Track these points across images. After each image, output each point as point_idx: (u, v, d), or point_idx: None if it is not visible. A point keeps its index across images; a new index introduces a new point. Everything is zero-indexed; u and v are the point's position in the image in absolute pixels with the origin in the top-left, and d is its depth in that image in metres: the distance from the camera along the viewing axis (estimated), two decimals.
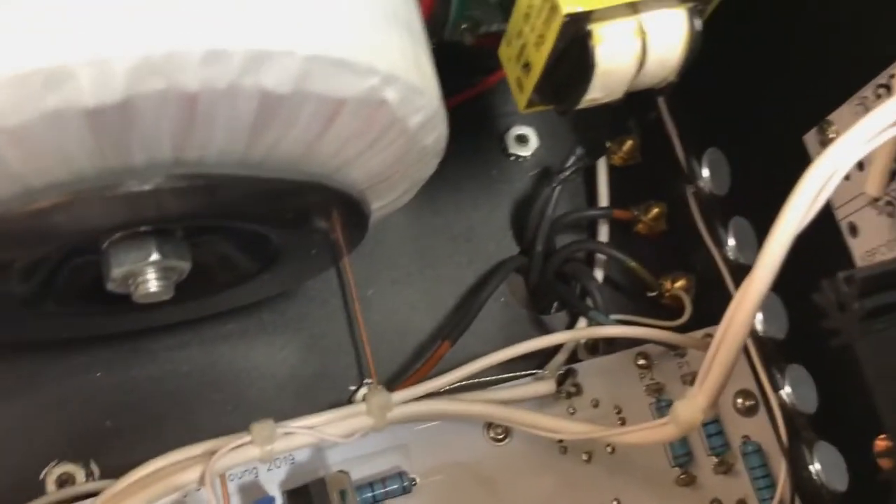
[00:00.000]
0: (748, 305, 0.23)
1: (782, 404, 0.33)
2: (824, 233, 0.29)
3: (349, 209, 0.24)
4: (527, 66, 0.26)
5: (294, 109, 0.20)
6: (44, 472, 0.30)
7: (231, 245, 0.25)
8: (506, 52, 0.27)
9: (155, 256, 0.23)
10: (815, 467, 0.32)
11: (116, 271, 0.23)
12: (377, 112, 0.21)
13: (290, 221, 0.23)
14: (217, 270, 0.26)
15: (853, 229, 0.28)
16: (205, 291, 0.28)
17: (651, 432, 0.27)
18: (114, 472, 0.29)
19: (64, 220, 0.20)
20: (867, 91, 0.26)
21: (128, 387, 0.32)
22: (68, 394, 0.32)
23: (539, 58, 0.25)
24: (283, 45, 0.19)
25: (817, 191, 0.22)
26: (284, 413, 0.30)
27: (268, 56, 0.19)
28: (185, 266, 0.24)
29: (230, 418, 0.32)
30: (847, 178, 0.27)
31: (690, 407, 0.25)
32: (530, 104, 0.27)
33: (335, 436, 0.28)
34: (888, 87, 0.26)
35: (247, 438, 0.28)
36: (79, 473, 0.29)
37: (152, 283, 0.23)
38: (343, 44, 0.20)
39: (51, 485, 0.29)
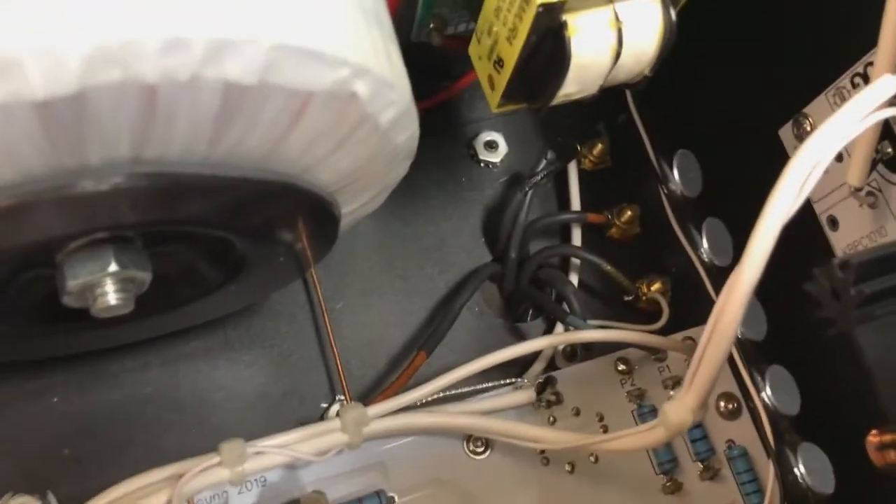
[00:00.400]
0: (737, 300, 0.22)
1: (765, 406, 0.32)
2: (803, 228, 0.28)
3: (319, 212, 0.23)
4: (499, 63, 0.25)
5: (259, 103, 0.19)
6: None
7: (194, 253, 0.24)
8: (476, 50, 0.26)
9: (114, 267, 0.22)
10: (800, 470, 0.32)
11: (72, 283, 0.21)
12: (347, 107, 0.20)
13: (255, 225, 0.22)
14: (179, 282, 0.25)
15: (833, 223, 0.28)
16: (167, 305, 0.26)
17: (640, 437, 0.26)
18: (73, 502, 0.27)
19: (13, 226, 0.19)
20: (844, 81, 0.26)
21: (86, 411, 0.31)
22: (22, 421, 0.30)
23: (512, 53, 0.24)
24: (248, 33, 0.18)
25: (805, 176, 0.21)
26: (253, 434, 0.29)
27: (231, 45, 0.17)
28: (145, 277, 0.23)
29: (195, 441, 0.31)
30: (825, 171, 0.27)
31: (680, 408, 0.24)
32: (503, 103, 0.26)
33: (309, 454, 0.27)
34: (865, 77, 0.25)
35: (216, 459, 0.26)
36: None
37: (111, 295, 0.22)
38: (310, 33, 0.19)
39: None
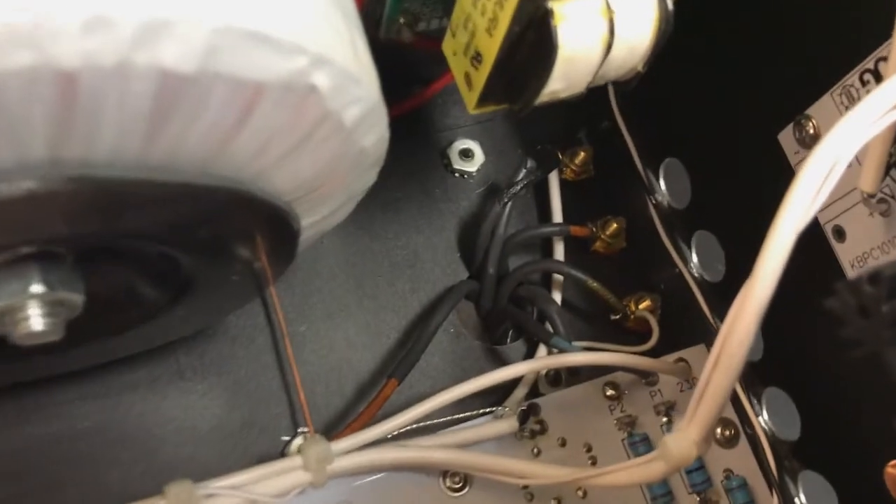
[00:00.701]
0: (747, 319, 0.20)
1: (764, 432, 0.30)
2: (806, 240, 0.26)
3: (275, 224, 0.20)
4: (477, 58, 0.23)
5: (201, 95, 0.16)
6: None
7: (133, 272, 0.21)
8: (451, 46, 0.24)
9: (38, 287, 0.19)
10: (801, 499, 0.29)
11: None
12: (305, 102, 0.18)
13: (202, 240, 0.19)
14: (118, 304, 0.22)
15: (840, 233, 0.26)
16: (105, 331, 0.23)
17: (636, 471, 0.23)
18: None
19: None
20: (852, 79, 0.24)
21: (19, 449, 0.27)
22: None
23: (492, 45, 0.22)
24: (186, 12, 0.15)
25: (822, 178, 0.19)
26: (208, 471, 0.26)
27: (166, 25, 0.15)
28: (76, 299, 0.20)
29: (142, 481, 0.28)
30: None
31: (683, 441, 0.21)
32: (481, 103, 0.24)
33: (267, 496, 0.24)
34: (876, 73, 0.23)
35: (160, 503, 0.23)
36: None
37: (36, 320, 0.19)
38: (261, 15, 0.16)
39: None
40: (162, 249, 0.20)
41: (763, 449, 0.29)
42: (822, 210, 0.26)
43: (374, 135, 0.21)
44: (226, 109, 0.17)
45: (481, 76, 0.23)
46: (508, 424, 0.28)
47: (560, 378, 0.31)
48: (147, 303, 0.22)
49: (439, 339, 0.31)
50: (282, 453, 0.29)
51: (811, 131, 0.26)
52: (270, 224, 0.20)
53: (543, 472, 0.26)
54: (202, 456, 0.29)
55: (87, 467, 0.28)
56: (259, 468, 0.25)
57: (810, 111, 0.26)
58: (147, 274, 0.21)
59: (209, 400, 0.29)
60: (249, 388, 0.30)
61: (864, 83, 0.24)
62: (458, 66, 0.24)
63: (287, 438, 0.29)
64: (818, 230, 0.26)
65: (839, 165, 0.19)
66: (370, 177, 0.23)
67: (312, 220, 0.23)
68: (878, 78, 0.23)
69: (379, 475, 0.27)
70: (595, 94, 0.34)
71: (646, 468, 0.23)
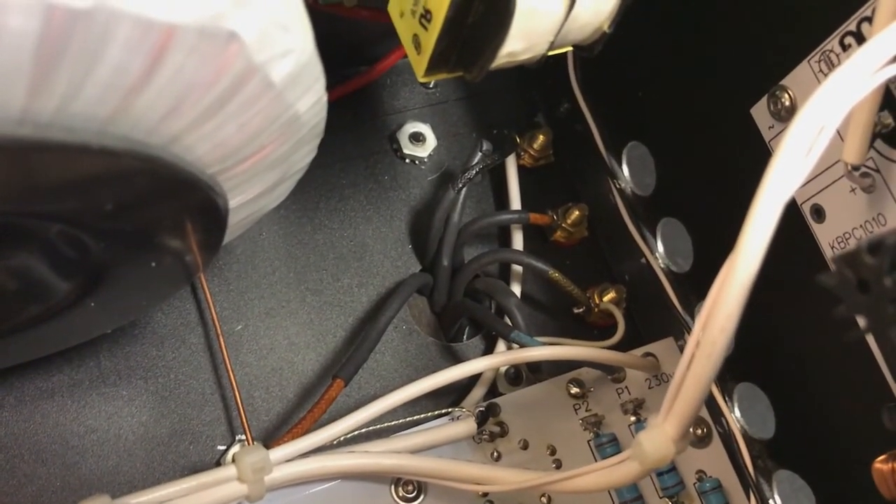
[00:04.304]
0: (732, 299, 0.17)
1: (737, 430, 0.28)
2: (781, 221, 0.24)
3: (195, 199, 0.18)
4: (426, 16, 0.20)
5: (98, 36, 0.14)
6: None
7: (30, 256, 0.18)
8: (397, 5, 0.22)
9: None
10: (776, 501, 0.28)
11: None
12: (225, 51, 0.15)
13: (108, 217, 0.17)
14: (17, 295, 0.19)
15: (818, 213, 0.24)
16: (5, 326, 0.20)
17: (607, 474, 0.21)
18: None
19: None
20: (831, 43, 0.22)
21: None
22: None
23: (442, 0, 0.20)
24: None
25: (811, 140, 0.17)
26: (133, 486, 0.24)
27: None
28: None
29: (59, 497, 0.25)
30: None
31: (658, 438, 0.19)
32: (431, 70, 0.21)
33: None
34: (858, 35, 0.21)
35: None
36: None
37: None
38: None
39: None
40: (60, 228, 0.17)
41: (738, 448, 0.27)
42: (798, 189, 0.25)
43: (311, 96, 0.18)
44: (129, 56, 0.14)
45: (431, 37, 0.20)
46: (465, 427, 0.26)
47: (521, 376, 0.29)
48: (51, 294, 0.20)
49: (390, 336, 0.29)
50: (217, 464, 0.26)
51: (787, 103, 0.24)
52: (190, 199, 0.18)
53: (504, 477, 0.24)
54: (127, 468, 0.26)
55: (1, 481, 0.25)
56: (187, 480, 0.22)
57: (786, 81, 0.24)
58: (48, 259, 0.18)
59: (135, 407, 0.26)
60: (180, 392, 0.27)
61: (845, 47, 0.22)
62: (405, 28, 0.21)
63: (223, 447, 0.27)
64: (794, 210, 0.25)
65: (826, 130, 0.17)
66: (309, 150, 0.21)
67: (243, 200, 0.20)
68: (862, 41, 0.21)
69: (326, 484, 0.25)
70: (554, 73, 0.32)
71: (618, 470, 0.21)
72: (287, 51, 0.16)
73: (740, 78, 0.26)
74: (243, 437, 0.26)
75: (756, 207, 0.17)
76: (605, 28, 0.21)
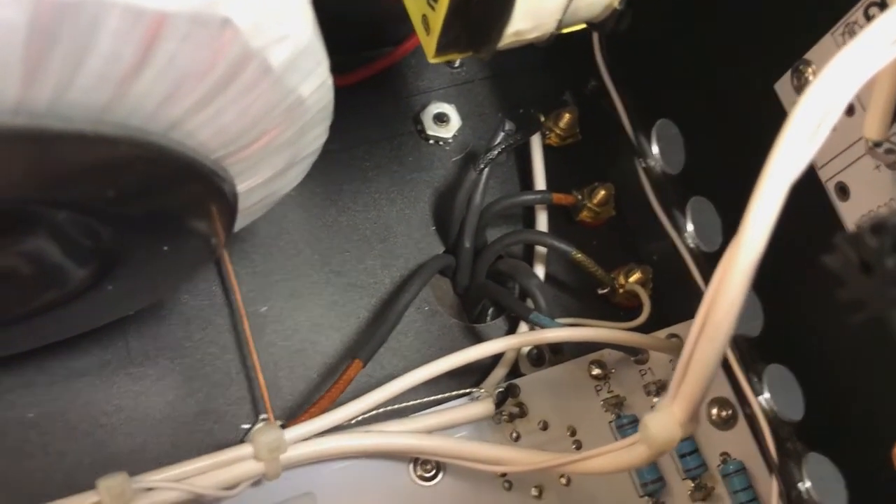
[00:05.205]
0: (734, 283, 0.17)
1: (764, 412, 0.28)
2: (805, 199, 0.24)
3: (200, 183, 0.18)
4: None
5: (88, 25, 0.14)
6: None
7: (44, 242, 0.19)
8: None
9: None
10: (805, 484, 0.27)
11: None
12: (220, 38, 0.16)
13: (113, 201, 0.17)
14: (33, 281, 0.20)
15: (843, 191, 0.23)
16: (28, 310, 0.21)
17: (616, 457, 0.21)
18: None
19: None
20: (856, 14, 0.21)
21: None
22: None
23: None
24: None
25: (818, 119, 0.16)
26: (160, 463, 0.24)
27: None
28: None
29: (88, 474, 0.25)
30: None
31: (665, 420, 0.19)
32: (441, 50, 0.21)
33: (212, 488, 0.22)
34: (882, 5, 0.21)
35: (93, 499, 0.21)
36: None
37: None
38: None
39: None
40: (67, 215, 0.17)
41: (762, 430, 0.27)
42: (822, 166, 0.24)
43: (313, 81, 0.18)
44: (120, 45, 0.14)
45: (438, 17, 0.20)
46: (484, 407, 0.26)
47: (543, 357, 0.29)
48: (67, 278, 0.20)
49: (413, 317, 0.29)
50: (241, 443, 0.27)
51: (810, 77, 0.23)
52: (195, 184, 0.18)
53: (519, 457, 0.24)
54: (154, 446, 0.26)
55: (32, 459, 0.26)
56: (204, 458, 0.23)
57: (809, 55, 0.23)
58: (60, 244, 0.19)
59: (162, 386, 0.27)
60: (206, 372, 0.27)
61: (868, 18, 0.21)
62: (415, 8, 0.21)
63: (247, 426, 0.27)
64: (819, 188, 0.24)
65: (838, 104, 0.17)
66: (318, 134, 0.21)
67: (253, 184, 0.21)
68: (886, 8, 0.21)
69: (344, 463, 0.25)
70: (581, 51, 0.32)
71: (627, 453, 0.21)
72: (284, 36, 0.17)
73: (764, 53, 0.25)
74: (266, 416, 0.27)
75: (760, 188, 0.17)
76: (616, 4, 0.20)
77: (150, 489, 0.22)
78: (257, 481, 0.23)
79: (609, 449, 0.22)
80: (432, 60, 0.22)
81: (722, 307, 0.17)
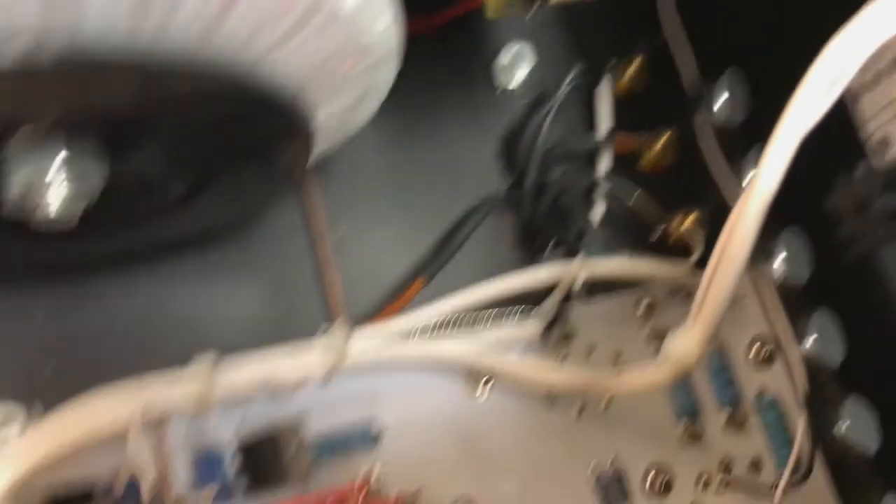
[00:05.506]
0: (750, 217, 0.19)
1: (805, 353, 0.29)
2: (852, 153, 0.25)
3: (280, 111, 0.21)
4: None
5: None
6: None
7: (149, 159, 0.22)
8: None
9: (58, 171, 0.20)
10: (842, 424, 0.28)
11: (14, 186, 0.20)
12: None
13: (205, 125, 0.20)
14: (139, 192, 0.23)
15: (885, 143, 0.24)
16: (126, 218, 0.24)
17: (646, 375, 0.23)
18: None
19: None
20: None
21: (72, 331, 0.29)
22: (9, 335, 0.29)
23: None
24: None
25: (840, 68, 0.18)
26: None
27: None
28: (96, 183, 0.21)
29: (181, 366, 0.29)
30: (877, 79, 0.23)
31: (685, 340, 0.21)
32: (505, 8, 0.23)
33: (287, 377, 0.25)
34: None
35: (183, 376, 0.25)
36: (18, 417, 0.26)
37: (52, 205, 0.20)
38: None
39: None
40: (165, 136, 0.20)
41: (800, 371, 0.28)
42: (869, 120, 0.25)
43: (380, 23, 0.21)
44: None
45: None
46: (534, 329, 0.28)
47: (595, 290, 0.31)
48: (167, 192, 0.23)
49: (474, 248, 0.32)
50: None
51: None
52: (277, 114, 0.21)
53: (560, 375, 0.26)
54: (240, 344, 0.29)
55: (135, 351, 0.29)
56: (281, 350, 0.26)
57: None
58: (163, 162, 0.22)
59: (250, 293, 0.30)
60: (288, 284, 0.31)
61: None
62: None
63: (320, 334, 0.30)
64: (857, 144, 0.25)
65: (853, 65, 0.18)
66: (387, 72, 0.23)
67: (328, 111, 0.23)
68: None
69: (400, 372, 0.28)
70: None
71: (652, 371, 0.23)
72: None
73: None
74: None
75: (775, 138, 0.18)
76: None
77: (232, 372, 0.25)
78: (324, 380, 0.26)
79: (641, 369, 0.24)
80: (490, 16, 0.24)
81: (736, 240, 0.19)
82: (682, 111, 0.34)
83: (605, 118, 0.33)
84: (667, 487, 0.28)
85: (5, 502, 0.23)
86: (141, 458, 0.24)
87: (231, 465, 0.26)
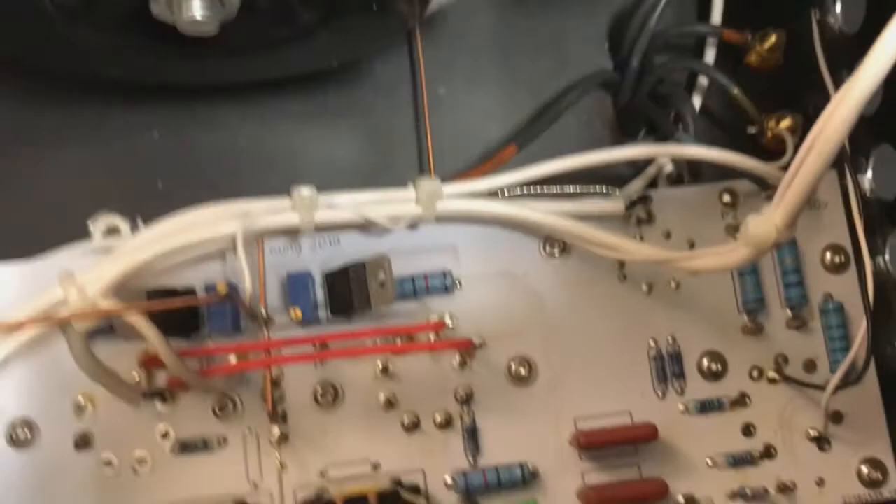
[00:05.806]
0: (845, 114, 0.19)
1: (878, 267, 0.29)
2: None
3: None
4: None
5: None
6: (91, 219, 0.29)
7: None
8: None
9: None
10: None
11: None
12: None
13: None
14: (270, 16, 0.24)
15: None
16: (257, 43, 0.26)
17: (719, 257, 0.24)
18: None
19: None
20: None
21: (184, 151, 0.31)
22: (125, 149, 0.31)
23: None
24: None
25: None
26: None
27: None
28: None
29: None
30: None
31: (765, 224, 0.22)
32: None
33: (380, 217, 0.27)
34: None
35: (287, 202, 0.27)
36: (124, 227, 0.28)
37: (197, 9, 0.22)
38: None
39: (96, 231, 0.28)
40: None
41: (871, 282, 0.29)
42: None
43: None
44: None
45: None
46: (616, 206, 0.29)
47: (682, 179, 0.32)
48: (296, 19, 0.25)
49: (569, 123, 0.32)
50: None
51: None
52: None
53: (635, 248, 0.27)
54: (335, 186, 0.31)
55: (239, 178, 0.31)
56: (377, 192, 0.27)
57: None
58: None
59: (349, 139, 0.32)
60: (386, 134, 0.32)
61: None
62: None
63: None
64: None
65: None
66: None
67: None
68: None
69: (485, 227, 0.29)
70: None
71: (730, 253, 0.24)
72: None
73: None
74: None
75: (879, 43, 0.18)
76: None
77: (331, 205, 0.27)
78: (414, 224, 0.28)
79: (716, 251, 0.25)
80: None
81: (832, 128, 0.20)
82: (794, 12, 0.33)
83: (717, 7, 0.33)
84: (719, 374, 0.29)
85: (109, 292, 0.25)
86: (241, 271, 0.26)
87: (319, 289, 0.28)
